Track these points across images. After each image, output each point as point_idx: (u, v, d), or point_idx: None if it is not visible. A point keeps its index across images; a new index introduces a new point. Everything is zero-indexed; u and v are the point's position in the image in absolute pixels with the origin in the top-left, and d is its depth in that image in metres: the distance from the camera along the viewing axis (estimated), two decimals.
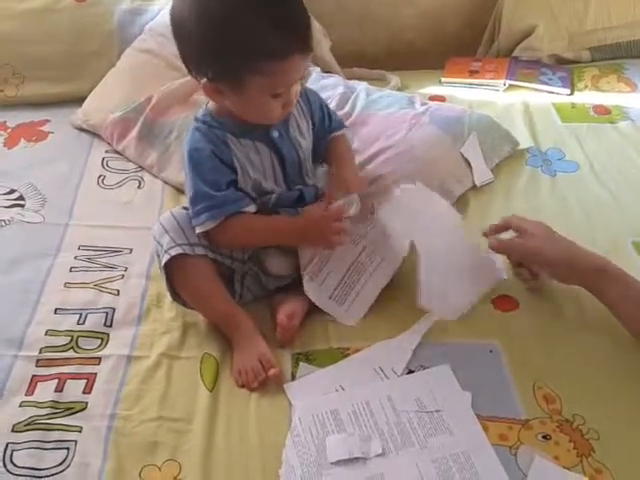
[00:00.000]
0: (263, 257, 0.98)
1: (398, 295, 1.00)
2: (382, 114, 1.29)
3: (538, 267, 0.99)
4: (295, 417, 0.82)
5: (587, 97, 1.49)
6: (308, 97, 1.03)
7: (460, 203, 1.19)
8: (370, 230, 0.99)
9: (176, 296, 0.96)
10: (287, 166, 0.97)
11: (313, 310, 0.97)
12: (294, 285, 0.98)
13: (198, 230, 0.93)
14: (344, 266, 0.97)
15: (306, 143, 1.00)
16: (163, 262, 0.92)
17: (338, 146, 1.06)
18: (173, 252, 0.92)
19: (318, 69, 1.47)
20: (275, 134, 0.96)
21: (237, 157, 0.94)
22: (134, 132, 1.31)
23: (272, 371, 0.87)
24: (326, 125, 1.05)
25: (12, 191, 1.24)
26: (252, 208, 0.94)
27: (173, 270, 0.93)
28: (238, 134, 0.94)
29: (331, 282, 0.97)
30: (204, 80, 0.90)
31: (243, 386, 0.87)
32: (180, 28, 0.90)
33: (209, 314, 0.96)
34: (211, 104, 0.96)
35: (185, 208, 0.97)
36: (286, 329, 0.92)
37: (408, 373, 0.88)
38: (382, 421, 0.81)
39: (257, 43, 0.84)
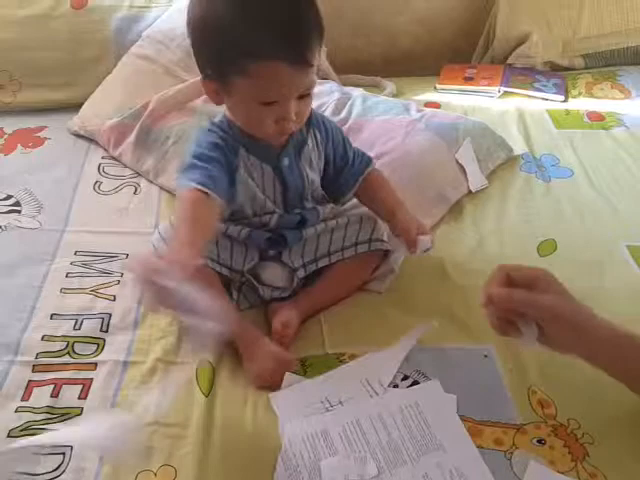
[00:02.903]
0: (261, 269, 0.97)
1: (395, 299, 1.01)
2: (378, 120, 1.30)
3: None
4: (285, 439, 0.81)
5: (581, 104, 1.50)
6: (326, 130, 1.00)
7: (455, 209, 1.20)
8: None
9: None
10: (289, 194, 0.96)
11: (308, 316, 0.97)
12: (291, 295, 0.98)
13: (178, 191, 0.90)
14: None
15: (313, 175, 0.99)
16: None
17: (377, 183, 1.03)
18: None
19: None
20: (285, 162, 0.94)
21: (241, 170, 0.93)
22: (131, 138, 1.32)
23: (293, 367, 0.88)
24: (351, 161, 1.02)
25: (8, 197, 1.24)
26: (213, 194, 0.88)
27: None
28: (249, 149, 0.93)
29: None
30: (203, 77, 0.90)
31: (267, 388, 0.87)
32: (187, 25, 0.89)
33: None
34: (227, 112, 0.94)
35: None
36: (281, 336, 0.92)
37: (403, 379, 0.88)
38: (374, 440, 0.80)
39: (242, 40, 0.82)
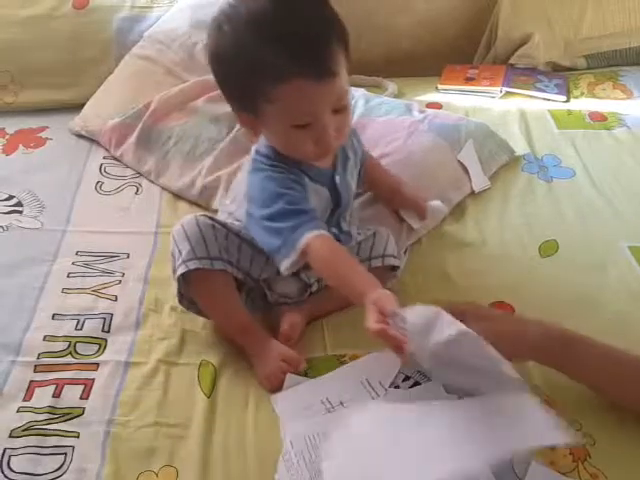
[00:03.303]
0: (274, 280, 0.96)
1: (397, 300, 1.01)
2: (380, 120, 1.30)
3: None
4: (286, 440, 0.81)
5: (583, 104, 1.50)
6: (355, 135, 0.98)
7: (458, 210, 1.20)
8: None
9: (182, 298, 0.95)
10: (338, 210, 0.95)
11: (313, 320, 0.97)
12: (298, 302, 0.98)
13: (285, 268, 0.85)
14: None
15: (354, 186, 0.98)
16: (179, 272, 0.89)
17: (374, 169, 1.04)
18: (192, 266, 0.88)
19: None
20: (338, 180, 0.92)
21: (310, 197, 0.89)
22: (132, 138, 1.32)
23: (301, 366, 0.88)
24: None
25: (10, 197, 1.24)
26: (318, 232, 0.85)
27: (190, 280, 0.91)
28: (311, 176, 0.89)
29: None
30: (234, 111, 0.88)
31: (275, 390, 0.87)
32: (208, 60, 0.88)
33: (224, 324, 0.94)
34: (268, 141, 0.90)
35: (210, 218, 0.92)
36: (288, 339, 0.92)
37: (404, 380, 0.88)
38: None
39: (258, 64, 0.80)
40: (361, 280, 0.82)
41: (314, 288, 0.98)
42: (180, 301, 0.96)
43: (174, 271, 0.91)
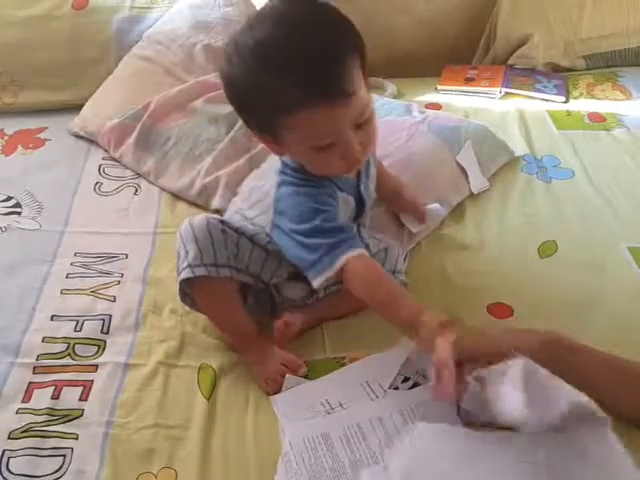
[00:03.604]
0: (283, 284, 0.96)
1: None
2: (381, 122, 1.29)
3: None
4: (286, 441, 0.81)
5: (582, 105, 1.50)
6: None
7: (457, 211, 1.20)
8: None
9: (185, 297, 0.94)
10: (359, 218, 0.95)
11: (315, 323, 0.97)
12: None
13: (316, 284, 0.85)
14: None
15: (374, 191, 0.98)
16: (183, 276, 0.88)
17: (379, 171, 1.02)
18: (197, 272, 0.86)
19: None
20: (362, 188, 0.92)
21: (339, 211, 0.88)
22: (131, 139, 1.32)
23: (301, 371, 0.88)
24: None
25: (9, 198, 1.24)
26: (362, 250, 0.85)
27: (194, 284, 0.89)
28: (339, 186, 0.88)
29: None
30: (258, 137, 0.88)
31: (274, 393, 0.87)
32: (223, 85, 0.86)
33: (225, 329, 0.94)
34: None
35: (221, 222, 0.89)
36: (281, 335, 0.92)
37: (404, 381, 0.88)
38: (374, 444, 0.80)
39: (271, 96, 0.78)
40: (405, 303, 0.81)
41: (321, 294, 0.98)
42: (183, 299, 0.94)
43: (178, 272, 0.90)
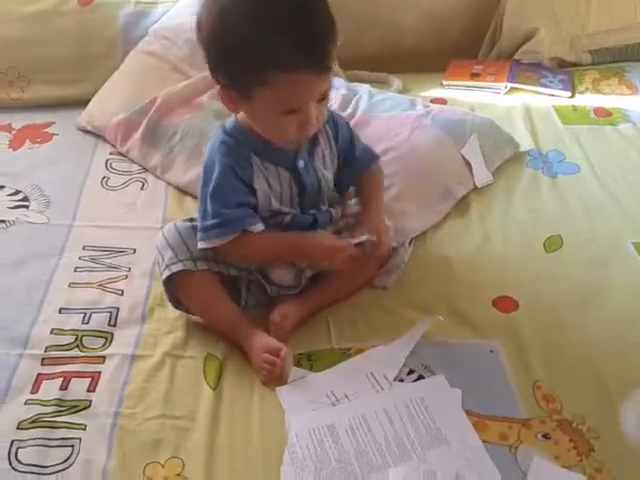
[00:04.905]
0: (269, 268, 0.97)
1: (401, 294, 1.01)
2: (385, 116, 1.30)
3: None
4: (292, 432, 0.82)
5: (588, 99, 1.50)
6: (337, 127, 0.99)
7: (461, 205, 1.20)
8: None
9: (178, 304, 0.97)
10: (306, 195, 0.96)
11: (314, 312, 0.98)
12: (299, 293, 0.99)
13: (202, 245, 0.91)
14: None
15: (328, 174, 0.99)
16: (164, 276, 0.93)
17: (368, 184, 1.04)
18: (174, 268, 0.92)
19: None
20: (301, 164, 0.94)
21: (257, 179, 0.92)
22: (138, 134, 1.32)
23: (282, 353, 0.88)
24: (355, 158, 1.02)
25: (17, 192, 1.25)
26: (260, 227, 0.92)
27: (176, 283, 0.94)
28: (263, 156, 0.92)
29: None
30: (218, 87, 0.89)
31: (270, 381, 0.88)
32: (198, 32, 0.88)
33: (214, 323, 0.96)
34: (240, 115, 0.93)
35: (191, 219, 0.97)
36: (277, 327, 0.93)
37: (409, 373, 0.89)
38: (380, 435, 0.81)
39: (260, 52, 0.81)
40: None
41: (309, 273, 0.99)
42: (176, 306, 0.97)
43: (161, 279, 0.94)
